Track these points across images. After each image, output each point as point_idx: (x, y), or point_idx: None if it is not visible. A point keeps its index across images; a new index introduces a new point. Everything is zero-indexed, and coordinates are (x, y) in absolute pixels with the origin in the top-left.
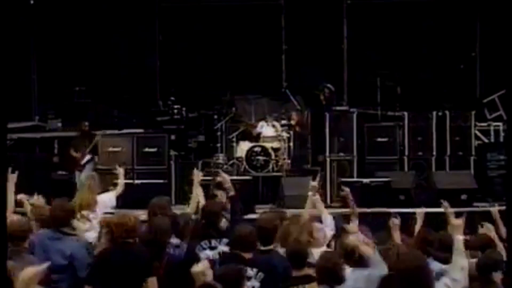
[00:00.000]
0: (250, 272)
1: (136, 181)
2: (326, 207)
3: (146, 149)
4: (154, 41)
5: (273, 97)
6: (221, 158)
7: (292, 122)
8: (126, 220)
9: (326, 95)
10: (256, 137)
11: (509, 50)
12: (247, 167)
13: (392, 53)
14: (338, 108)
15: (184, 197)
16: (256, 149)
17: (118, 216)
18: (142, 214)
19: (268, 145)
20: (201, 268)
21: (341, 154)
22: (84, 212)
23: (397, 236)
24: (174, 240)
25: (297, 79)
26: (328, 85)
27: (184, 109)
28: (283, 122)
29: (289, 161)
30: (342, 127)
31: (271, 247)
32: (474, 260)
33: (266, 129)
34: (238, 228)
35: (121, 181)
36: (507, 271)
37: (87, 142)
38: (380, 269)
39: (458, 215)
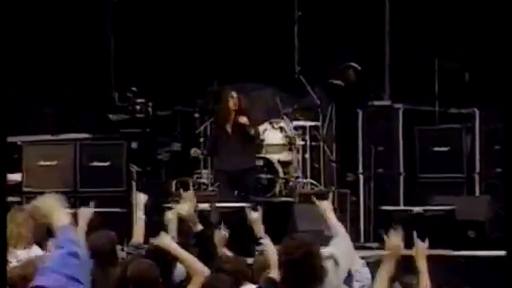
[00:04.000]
0: None
1: (83, 208)
2: (361, 246)
3: (95, 163)
4: (106, 6)
5: (282, 87)
6: (204, 175)
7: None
8: (30, 270)
9: (351, 79)
10: (257, 145)
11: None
12: None
13: (457, 23)
14: (376, 103)
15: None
16: (257, 162)
17: (22, 264)
18: None
19: (273, 157)
20: None
21: (381, 170)
22: (13, 250)
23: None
24: None
25: (316, 61)
26: (353, 64)
27: (150, 104)
28: (296, 123)
29: (304, 180)
30: (382, 130)
31: None
32: None
33: (271, 133)
34: None
35: (82, 223)
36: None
37: None
38: None
39: None
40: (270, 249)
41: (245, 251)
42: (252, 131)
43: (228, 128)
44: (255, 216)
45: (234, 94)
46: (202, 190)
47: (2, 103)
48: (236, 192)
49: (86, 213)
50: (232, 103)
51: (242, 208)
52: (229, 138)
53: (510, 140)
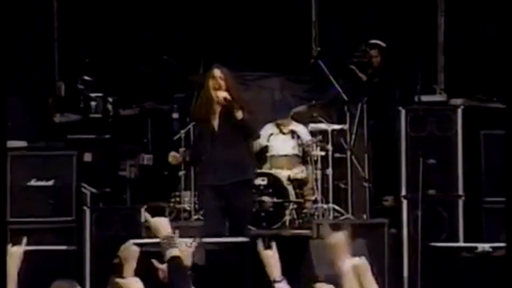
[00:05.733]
0: None
1: (15, 247)
2: None
3: (33, 183)
4: None
5: (293, 76)
6: (186, 199)
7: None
8: None
9: (375, 63)
10: (258, 156)
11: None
12: None
13: None
14: (425, 98)
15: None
16: (259, 181)
17: None
18: None
19: (282, 173)
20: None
21: (432, 191)
22: None
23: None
24: None
25: (340, 40)
26: (375, 41)
27: (111, 100)
28: (314, 125)
29: (324, 206)
30: (434, 137)
31: None
32: None
33: (277, 140)
34: None
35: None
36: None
37: None
38: None
39: None
40: None
41: None
42: (240, 115)
43: (214, 124)
44: (271, 254)
45: (217, 72)
46: (182, 220)
47: (1, 103)
48: (226, 221)
49: (17, 255)
50: (212, 84)
51: (236, 244)
52: (215, 138)
53: None
